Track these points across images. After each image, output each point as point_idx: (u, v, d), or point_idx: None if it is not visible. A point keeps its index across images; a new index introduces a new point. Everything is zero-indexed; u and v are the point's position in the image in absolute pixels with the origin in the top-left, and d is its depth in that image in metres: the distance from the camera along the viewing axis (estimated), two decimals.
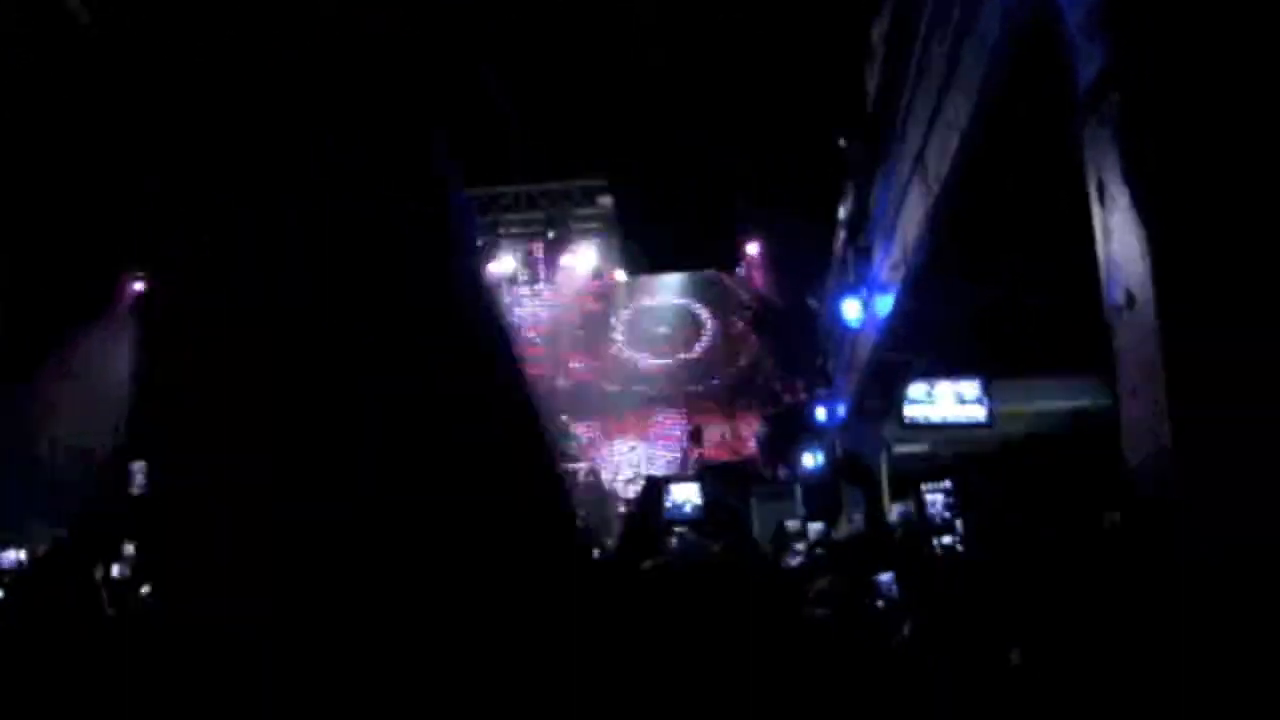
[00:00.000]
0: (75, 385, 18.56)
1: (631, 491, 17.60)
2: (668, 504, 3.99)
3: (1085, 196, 4.15)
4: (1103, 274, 4.07)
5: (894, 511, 12.28)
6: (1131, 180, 3.67)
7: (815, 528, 12.87)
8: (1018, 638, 2.51)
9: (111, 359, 19.88)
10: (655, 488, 3.99)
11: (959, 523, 8.37)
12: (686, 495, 3.86)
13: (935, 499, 8.67)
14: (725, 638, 1.62)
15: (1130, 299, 3.76)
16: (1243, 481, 3.28)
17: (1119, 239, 3.83)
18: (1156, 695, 2.66)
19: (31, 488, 15.78)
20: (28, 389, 18.42)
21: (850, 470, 13.94)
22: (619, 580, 1.86)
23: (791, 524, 12.92)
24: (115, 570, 10.47)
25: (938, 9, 7.85)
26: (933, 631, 2.72)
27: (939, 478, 8.64)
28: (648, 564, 1.83)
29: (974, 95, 6.57)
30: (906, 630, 2.92)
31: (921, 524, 8.86)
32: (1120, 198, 3.77)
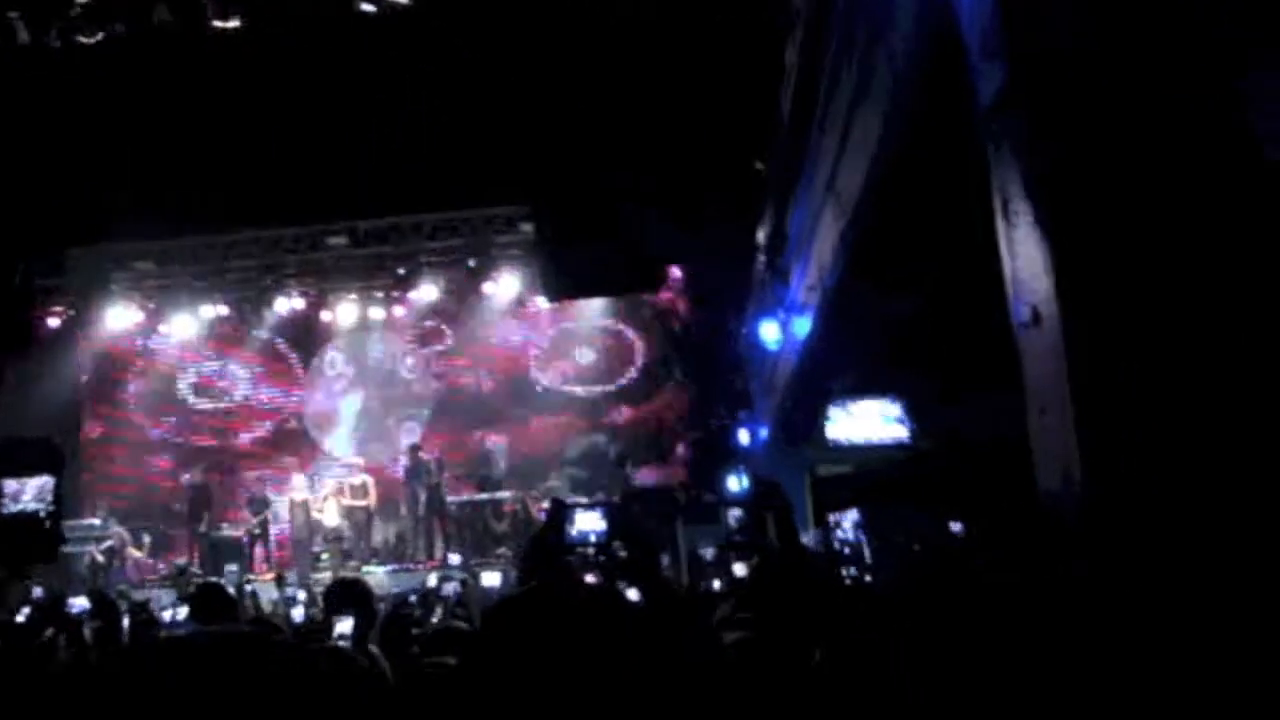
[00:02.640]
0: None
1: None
2: (571, 531, 3.93)
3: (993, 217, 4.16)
4: (1008, 291, 4.07)
5: (806, 537, 12.24)
6: (1033, 196, 3.68)
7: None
8: (922, 666, 2.47)
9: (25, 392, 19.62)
10: (558, 509, 3.94)
11: (866, 551, 8.39)
12: (591, 523, 3.79)
13: (844, 528, 8.69)
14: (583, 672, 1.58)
15: (1036, 316, 3.76)
16: (1151, 496, 3.27)
17: (1023, 255, 3.84)
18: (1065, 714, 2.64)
19: None
20: None
21: (764, 497, 13.91)
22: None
23: (707, 553, 12.78)
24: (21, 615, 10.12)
25: (845, 32, 7.87)
26: (837, 661, 2.68)
27: (847, 506, 8.67)
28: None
29: (881, 116, 6.59)
30: (816, 658, 2.87)
31: (828, 553, 8.84)
32: (1023, 214, 3.77)
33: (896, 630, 2.62)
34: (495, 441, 21.14)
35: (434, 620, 8.81)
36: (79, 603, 8.74)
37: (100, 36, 13.53)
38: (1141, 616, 3.08)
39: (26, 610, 10.81)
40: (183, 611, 9.42)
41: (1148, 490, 3.27)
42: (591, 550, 4.21)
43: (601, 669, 1.59)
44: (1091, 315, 3.47)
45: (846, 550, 8.52)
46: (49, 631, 6.22)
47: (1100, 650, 2.96)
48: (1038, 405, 3.83)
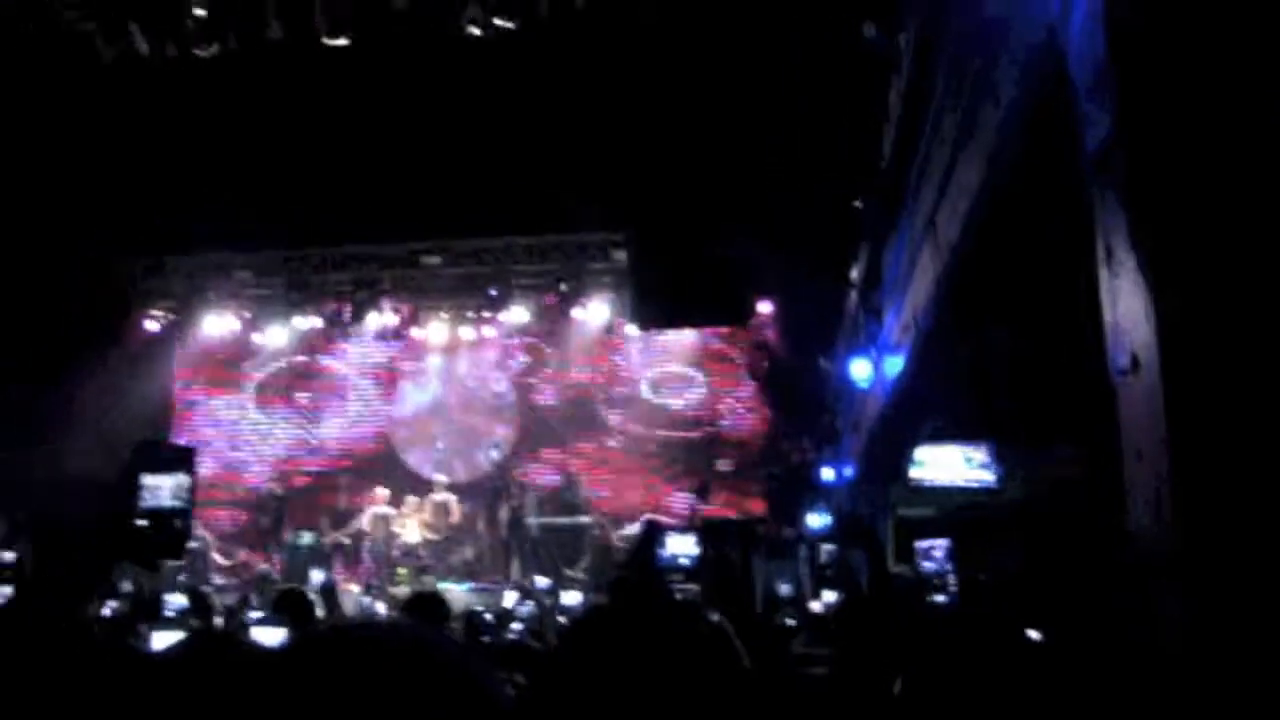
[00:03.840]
0: (91, 411, 18.58)
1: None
2: (662, 553, 3.95)
3: (1094, 262, 4.16)
4: (1107, 338, 4.08)
5: (899, 571, 12.20)
6: (1137, 243, 3.68)
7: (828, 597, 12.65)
8: (1008, 694, 2.49)
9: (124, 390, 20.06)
10: (652, 531, 3.99)
11: (951, 579, 8.34)
12: (683, 547, 3.81)
13: (933, 557, 8.64)
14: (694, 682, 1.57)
15: (1135, 362, 3.76)
16: (1246, 549, 3.27)
17: (1124, 302, 3.84)
18: None
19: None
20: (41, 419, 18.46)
21: (851, 532, 13.86)
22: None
23: (784, 589, 12.73)
24: (108, 609, 10.32)
25: (953, 72, 7.89)
26: (923, 688, 2.70)
27: (938, 534, 8.62)
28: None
29: (986, 158, 6.60)
30: (898, 688, 2.90)
31: (916, 580, 8.80)
32: (1126, 261, 3.78)
33: (974, 657, 2.64)
34: (578, 467, 21.23)
35: (508, 637, 8.88)
36: (175, 600, 8.94)
37: (215, 49, 13.87)
38: (1232, 675, 3.08)
39: (113, 604, 11.06)
40: (258, 627, 9.55)
41: (1242, 543, 3.27)
42: (682, 575, 4.24)
43: (687, 686, 1.57)
44: (1191, 362, 3.47)
45: (934, 580, 8.52)
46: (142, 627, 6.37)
47: (1180, 686, 2.97)
48: (1133, 450, 3.83)
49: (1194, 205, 3.48)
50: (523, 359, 22.31)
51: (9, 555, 13.79)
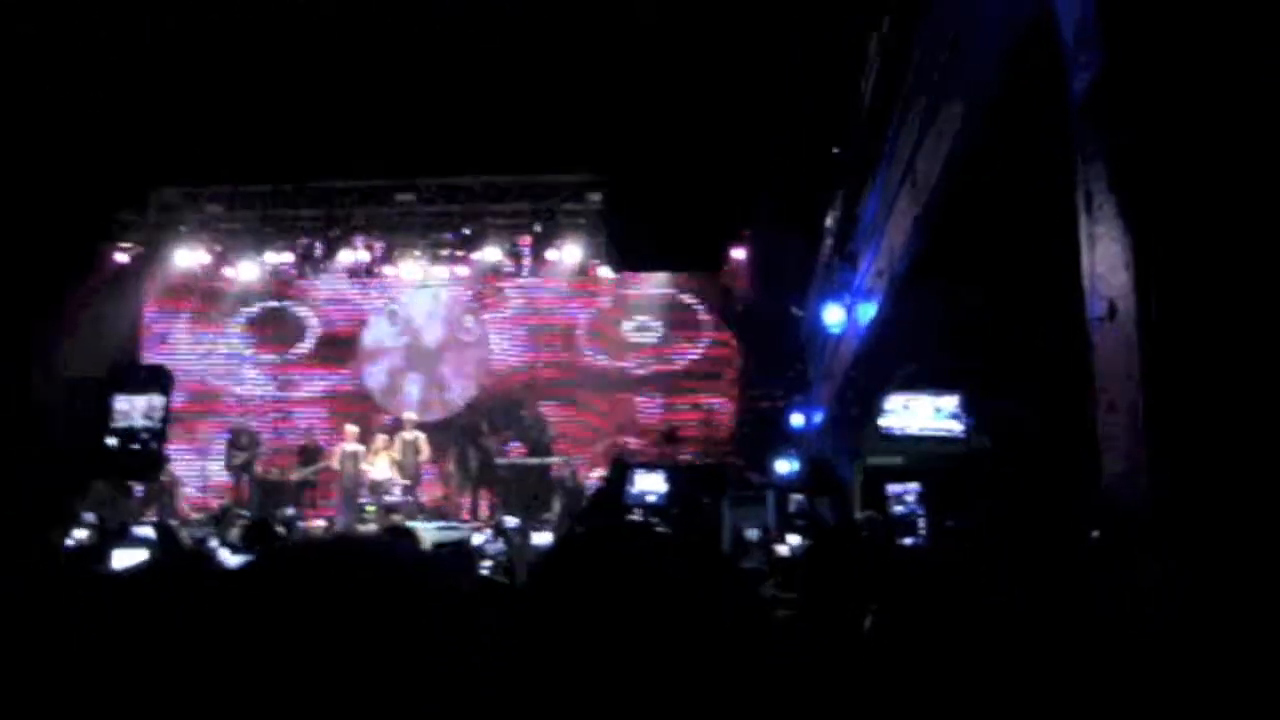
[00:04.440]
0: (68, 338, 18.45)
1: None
2: (630, 489, 3.90)
3: (1073, 213, 4.14)
4: (1085, 284, 4.06)
5: (860, 517, 12.29)
6: (1118, 187, 3.66)
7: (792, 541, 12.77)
8: (978, 640, 2.48)
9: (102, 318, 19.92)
10: (621, 467, 3.94)
11: (921, 523, 8.39)
12: (652, 485, 3.76)
13: (904, 501, 8.70)
14: (675, 609, 1.54)
15: (1112, 309, 3.74)
16: (1220, 495, 3.27)
17: (1103, 248, 3.82)
18: (1122, 701, 2.65)
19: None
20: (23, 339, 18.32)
21: (818, 478, 13.92)
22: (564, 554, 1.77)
23: (751, 533, 12.81)
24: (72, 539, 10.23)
25: (937, 19, 7.84)
26: (894, 629, 2.70)
27: (908, 479, 8.67)
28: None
29: (968, 103, 6.57)
30: (867, 625, 2.89)
31: (886, 522, 8.84)
32: (1106, 206, 3.76)
33: (947, 596, 2.64)
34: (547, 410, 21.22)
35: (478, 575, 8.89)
36: (142, 532, 8.89)
37: None
38: (1201, 610, 3.08)
39: (80, 534, 10.99)
40: (225, 552, 9.49)
41: (1215, 489, 3.27)
42: (649, 511, 4.22)
43: (672, 611, 1.54)
44: (1169, 310, 3.46)
45: (904, 522, 8.57)
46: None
47: (1158, 635, 2.98)
48: (1106, 400, 3.82)
49: (1178, 150, 3.45)
50: (495, 301, 22.21)
51: None
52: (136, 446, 2.24)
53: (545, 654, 1.47)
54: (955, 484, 11.52)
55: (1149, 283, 3.51)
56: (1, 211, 17.17)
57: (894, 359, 11.96)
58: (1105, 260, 3.82)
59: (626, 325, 21.89)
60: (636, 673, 1.46)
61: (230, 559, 5.52)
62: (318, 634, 1.10)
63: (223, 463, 20.33)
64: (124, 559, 5.43)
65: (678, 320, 21.81)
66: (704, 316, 21.75)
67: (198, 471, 21.36)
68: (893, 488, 8.77)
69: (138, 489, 18.14)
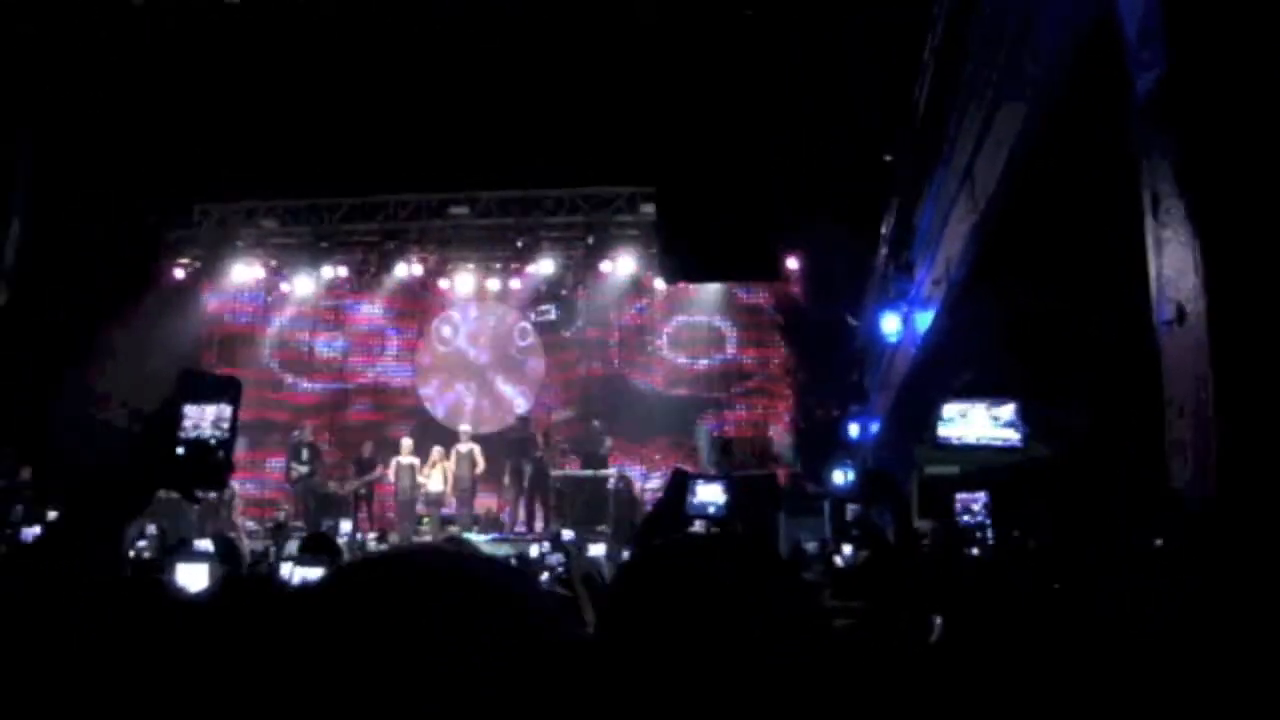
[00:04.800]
0: (127, 361, 18.64)
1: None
2: (691, 500, 3.86)
3: (1135, 217, 4.08)
4: (1153, 289, 3.99)
5: (922, 527, 12.18)
6: (1186, 192, 3.60)
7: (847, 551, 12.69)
8: (1048, 649, 2.44)
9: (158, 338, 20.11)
10: (681, 479, 3.90)
11: (989, 534, 8.28)
12: (711, 495, 3.74)
13: (971, 510, 8.60)
14: (739, 617, 1.51)
15: (1180, 314, 3.68)
16: None
17: (1170, 251, 3.76)
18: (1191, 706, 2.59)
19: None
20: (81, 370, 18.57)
21: (876, 487, 13.79)
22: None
23: (810, 546, 12.73)
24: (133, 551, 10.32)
25: (992, 25, 7.76)
26: (962, 639, 2.66)
27: (975, 488, 8.57)
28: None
29: (1027, 109, 6.49)
30: (935, 636, 2.86)
31: (953, 532, 8.74)
32: (1173, 209, 3.70)
33: (1012, 605, 2.59)
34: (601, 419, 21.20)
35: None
36: (203, 545, 8.93)
37: None
38: (1274, 617, 3.02)
39: (141, 544, 11.10)
40: (285, 566, 9.52)
41: None
42: (709, 523, 4.18)
43: (755, 618, 1.52)
44: (1239, 313, 3.39)
45: (971, 533, 8.46)
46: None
47: (1228, 642, 2.91)
48: (1177, 403, 3.76)
49: (1247, 150, 3.39)
50: (548, 312, 22.21)
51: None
52: (208, 456, 2.23)
53: (631, 666, 1.46)
54: (1015, 493, 11.40)
55: (1219, 286, 3.44)
56: (64, 227, 17.43)
57: (951, 367, 11.87)
58: (1173, 263, 3.75)
59: (680, 337, 21.84)
60: (718, 684, 1.44)
61: (293, 573, 5.52)
62: (404, 651, 1.08)
63: (284, 473, 20.45)
64: (187, 574, 5.46)
65: (732, 330, 21.73)
66: (759, 326, 21.65)
67: (255, 482, 21.52)
68: (961, 496, 8.67)
69: (208, 498, 18.28)
